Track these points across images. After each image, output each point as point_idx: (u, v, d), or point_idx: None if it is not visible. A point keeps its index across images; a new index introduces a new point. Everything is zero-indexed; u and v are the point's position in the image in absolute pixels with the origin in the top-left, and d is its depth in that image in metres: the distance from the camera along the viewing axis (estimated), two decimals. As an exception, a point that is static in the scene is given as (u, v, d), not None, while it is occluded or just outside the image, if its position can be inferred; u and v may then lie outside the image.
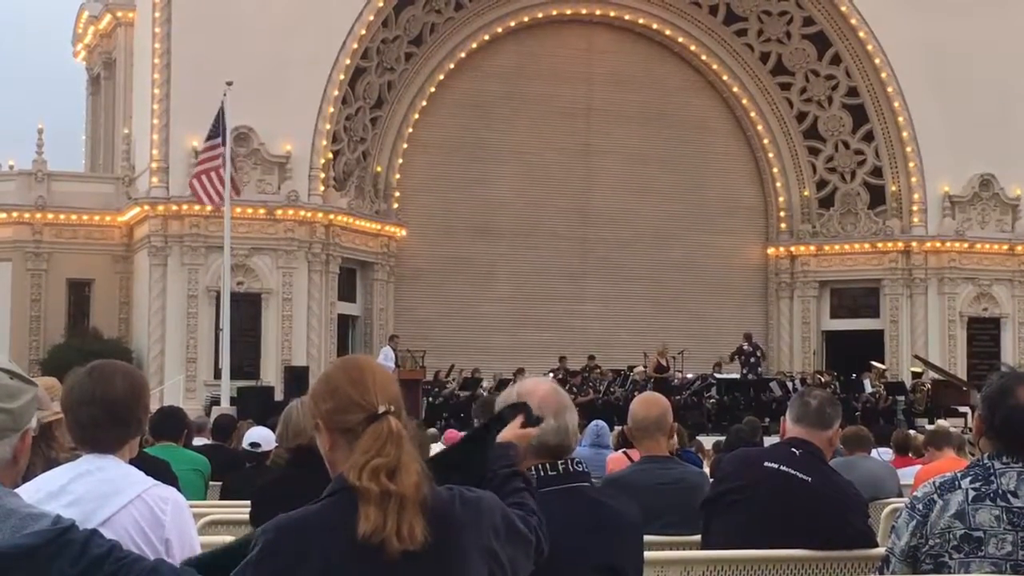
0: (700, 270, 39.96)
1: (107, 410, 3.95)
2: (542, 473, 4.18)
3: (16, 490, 3.24)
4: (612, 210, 39.20)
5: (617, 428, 13.14)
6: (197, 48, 32.26)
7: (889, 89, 38.00)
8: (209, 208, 29.72)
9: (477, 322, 37.49)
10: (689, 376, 32.91)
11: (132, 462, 4.05)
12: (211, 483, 9.68)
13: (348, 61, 34.07)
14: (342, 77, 34.01)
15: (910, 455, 12.97)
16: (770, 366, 37.73)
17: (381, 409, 3.24)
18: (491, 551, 3.30)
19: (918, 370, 34.47)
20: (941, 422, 23.67)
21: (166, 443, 8.96)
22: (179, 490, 4.13)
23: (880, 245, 38.75)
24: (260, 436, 9.91)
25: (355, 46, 34.20)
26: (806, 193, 40.36)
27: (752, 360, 33.81)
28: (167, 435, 9.06)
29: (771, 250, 40.61)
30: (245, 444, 10.28)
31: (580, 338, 36.59)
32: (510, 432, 3.86)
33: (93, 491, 3.86)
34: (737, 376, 33.35)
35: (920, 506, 4.20)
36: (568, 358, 32.82)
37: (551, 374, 28.57)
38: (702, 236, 39.99)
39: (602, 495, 4.35)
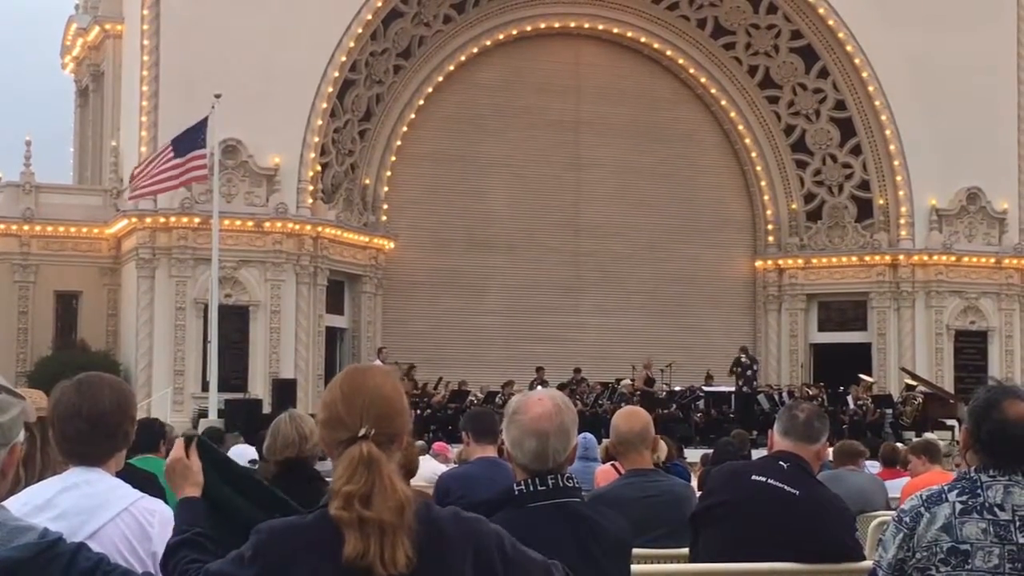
0: (689, 283, 39.96)
1: (94, 423, 3.94)
2: (530, 488, 4.17)
3: (3, 503, 3.23)
4: (602, 222, 39.20)
5: (605, 441, 13.11)
6: (185, 61, 32.24)
7: (876, 103, 38.08)
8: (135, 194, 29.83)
9: (467, 335, 37.42)
10: (677, 389, 32.85)
11: (118, 475, 4.04)
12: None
13: (337, 74, 34.06)
14: (330, 90, 34.00)
15: (897, 468, 12.98)
16: (758, 379, 37.70)
17: (361, 432, 3.15)
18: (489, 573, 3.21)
19: (913, 383, 34.46)
20: (928, 435, 23.72)
21: (145, 455, 8.75)
22: (166, 503, 4.12)
23: (868, 258, 38.81)
24: (238, 454, 9.75)
25: (343, 59, 34.21)
26: (794, 206, 40.41)
27: (748, 373, 33.82)
28: (144, 447, 8.82)
29: (759, 263, 40.64)
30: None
31: (572, 350, 36.47)
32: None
33: (80, 504, 3.85)
34: (726, 389, 33.29)
35: (907, 519, 4.20)
36: (545, 369, 32.45)
37: (539, 387, 28.51)
38: (691, 249, 40.02)
39: (590, 511, 4.33)
